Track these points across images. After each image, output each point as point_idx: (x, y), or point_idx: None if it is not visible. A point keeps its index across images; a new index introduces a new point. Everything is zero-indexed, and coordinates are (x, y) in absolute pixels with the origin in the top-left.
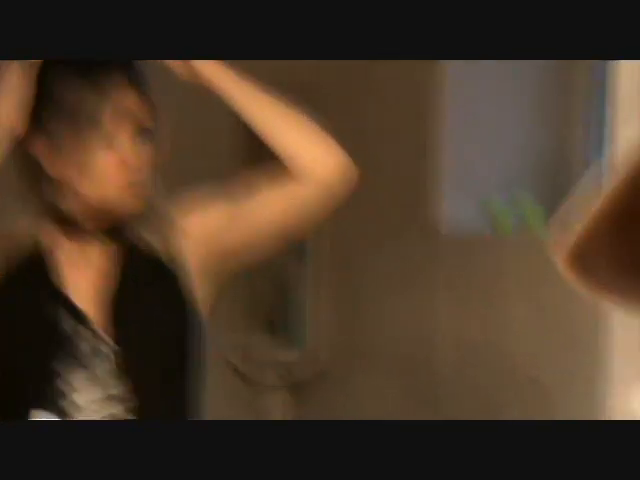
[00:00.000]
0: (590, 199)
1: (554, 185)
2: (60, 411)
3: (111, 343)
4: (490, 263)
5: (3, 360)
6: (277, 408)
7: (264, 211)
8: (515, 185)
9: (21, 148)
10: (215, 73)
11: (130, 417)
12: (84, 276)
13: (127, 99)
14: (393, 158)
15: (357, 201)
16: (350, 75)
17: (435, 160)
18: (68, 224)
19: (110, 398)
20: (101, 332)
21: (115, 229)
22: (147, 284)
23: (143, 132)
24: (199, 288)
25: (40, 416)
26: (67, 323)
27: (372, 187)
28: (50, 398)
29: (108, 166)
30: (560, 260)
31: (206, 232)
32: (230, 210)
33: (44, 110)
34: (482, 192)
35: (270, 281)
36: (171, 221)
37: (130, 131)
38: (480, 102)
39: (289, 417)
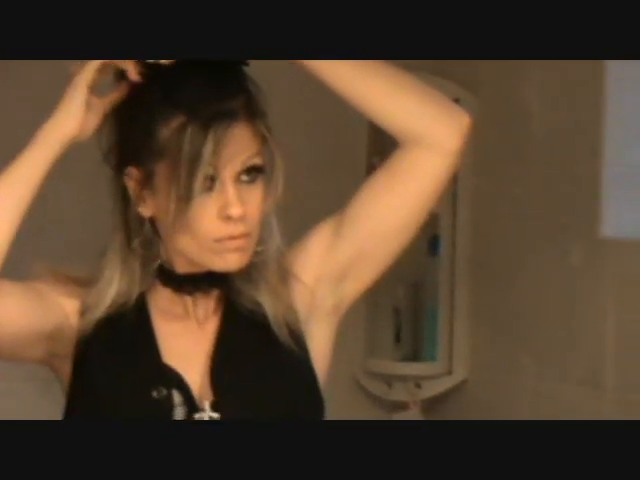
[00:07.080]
0: None
1: None
2: None
3: (209, 411)
4: None
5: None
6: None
7: (382, 202)
8: None
9: (117, 177)
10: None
11: None
12: (180, 332)
13: (234, 132)
14: (556, 159)
15: (516, 202)
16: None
17: (598, 162)
18: (161, 268)
19: None
20: (198, 398)
21: (213, 279)
22: (252, 344)
23: (251, 170)
24: (315, 334)
25: None
26: (158, 388)
27: (533, 187)
28: None
29: (205, 215)
30: None
31: (318, 261)
32: (338, 220)
33: (140, 143)
34: None
35: (400, 285)
36: (284, 271)
37: (235, 171)
38: None
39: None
